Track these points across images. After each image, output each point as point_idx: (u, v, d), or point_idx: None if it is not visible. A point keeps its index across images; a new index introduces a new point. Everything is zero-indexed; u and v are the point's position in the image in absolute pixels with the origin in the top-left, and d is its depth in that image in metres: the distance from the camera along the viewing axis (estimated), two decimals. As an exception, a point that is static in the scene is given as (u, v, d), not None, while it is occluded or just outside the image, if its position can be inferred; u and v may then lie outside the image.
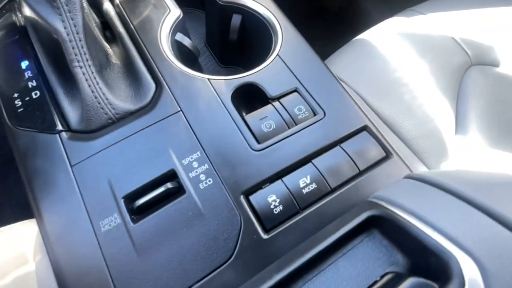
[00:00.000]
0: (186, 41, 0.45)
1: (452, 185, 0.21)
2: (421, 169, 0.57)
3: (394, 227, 0.21)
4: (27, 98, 0.36)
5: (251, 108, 0.37)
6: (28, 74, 0.37)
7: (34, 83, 0.37)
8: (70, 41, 0.33)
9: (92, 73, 0.34)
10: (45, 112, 0.35)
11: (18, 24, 0.41)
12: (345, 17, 1.17)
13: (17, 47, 0.39)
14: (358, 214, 0.23)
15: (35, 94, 0.36)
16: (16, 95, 0.36)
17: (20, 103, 0.36)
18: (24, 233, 0.51)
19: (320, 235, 0.23)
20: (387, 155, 0.33)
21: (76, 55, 0.33)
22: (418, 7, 0.79)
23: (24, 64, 0.38)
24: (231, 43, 0.51)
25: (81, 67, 0.34)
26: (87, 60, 0.34)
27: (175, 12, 0.43)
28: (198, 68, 0.53)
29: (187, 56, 0.47)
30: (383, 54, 0.71)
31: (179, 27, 0.44)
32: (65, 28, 0.33)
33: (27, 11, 0.42)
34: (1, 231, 0.52)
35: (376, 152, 0.33)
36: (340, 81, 0.69)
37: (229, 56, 0.56)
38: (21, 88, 0.36)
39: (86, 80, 0.34)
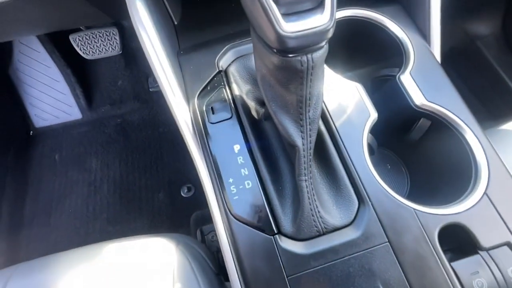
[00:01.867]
0: (373, 142, 0.45)
1: None
2: None
3: None
4: (240, 186, 0.39)
5: (449, 243, 0.36)
6: (240, 160, 0.41)
7: (246, 172, 0.40)
8: (304, 156, 0.35)
9: (311, 184, 0.36)
10: (259, 208, 0.38)
11: (227, 99, 0.45)
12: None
13: (230, 127, 0.43)
14: None
15: (248, 184, 0.39)
16: (231, 180, 0.40)
17: (235, 190, 0.39)
18: (168, 246, 0.57)
19: None
20: None
21: (305, 169, 0.35)
22: None
23: (236, 147, 0.42)
24: (403, 137, 0.50)
25: (305, 181, 0.36)
26: (310, 172, 0.36)
27: (373, 115, 0.43)
28: None
29: None
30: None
31: None
32: (303, 145, 0.35)
33: (236, 89, 0.45)
34: (151, 240, 0.59)
35: None
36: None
37: (388, 142, 0.55)
38: (235, 173, 0.40)
39: (307, 193, 0.36)
